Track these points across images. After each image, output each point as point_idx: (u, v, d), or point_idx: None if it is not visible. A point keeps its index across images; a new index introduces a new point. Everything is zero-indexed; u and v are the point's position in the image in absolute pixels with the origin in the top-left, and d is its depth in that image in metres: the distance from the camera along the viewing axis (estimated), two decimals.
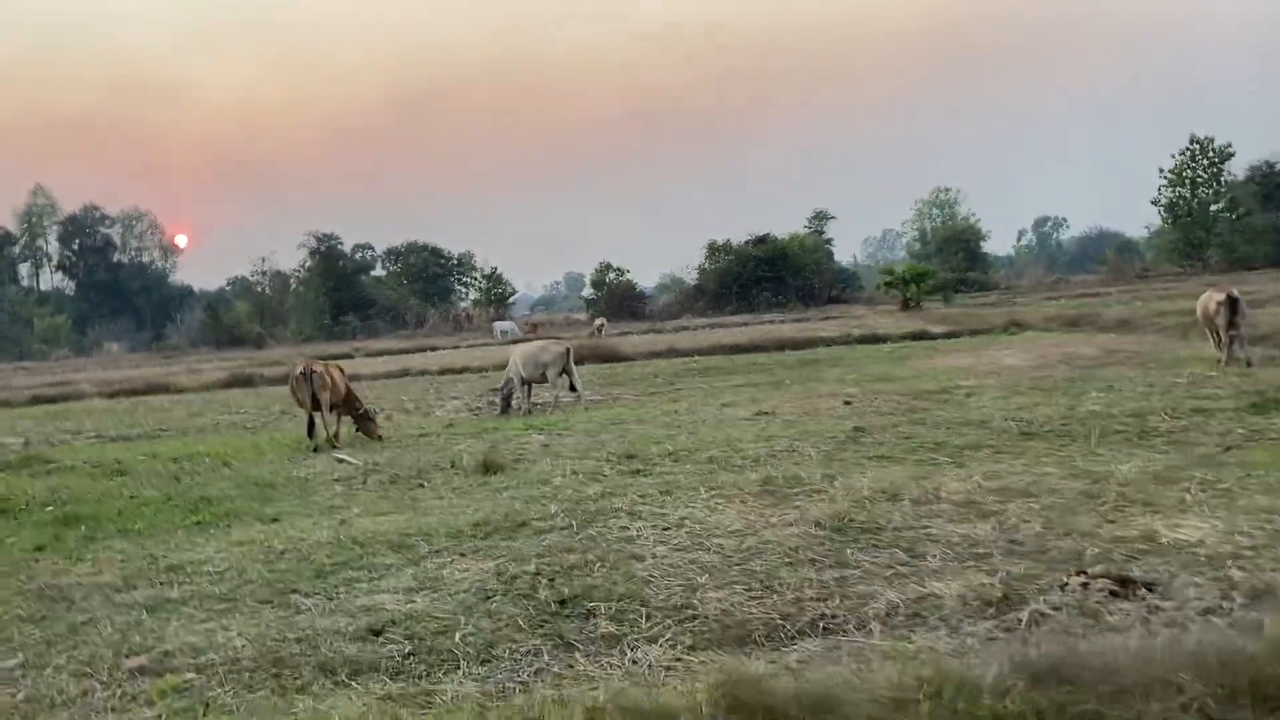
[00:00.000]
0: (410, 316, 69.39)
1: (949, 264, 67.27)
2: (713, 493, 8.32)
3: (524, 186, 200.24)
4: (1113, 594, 5.15)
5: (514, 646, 5.24)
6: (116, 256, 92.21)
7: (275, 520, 8.88)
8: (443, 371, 28.74)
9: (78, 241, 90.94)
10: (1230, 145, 65.57)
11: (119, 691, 5.02)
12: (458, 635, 5.40)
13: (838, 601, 5.44)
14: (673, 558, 6.51)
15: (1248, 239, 62.46)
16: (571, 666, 4.97)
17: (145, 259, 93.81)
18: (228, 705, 4.77)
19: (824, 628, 5.14)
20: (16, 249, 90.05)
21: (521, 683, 4.81)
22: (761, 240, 66.61)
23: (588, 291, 77.39)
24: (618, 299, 66.00)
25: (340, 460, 12.26)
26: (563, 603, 5.79)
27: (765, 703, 3.71)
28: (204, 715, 4.70)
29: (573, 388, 17.38)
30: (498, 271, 77.08)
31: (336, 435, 14.28)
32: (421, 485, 10.22)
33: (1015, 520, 6.82)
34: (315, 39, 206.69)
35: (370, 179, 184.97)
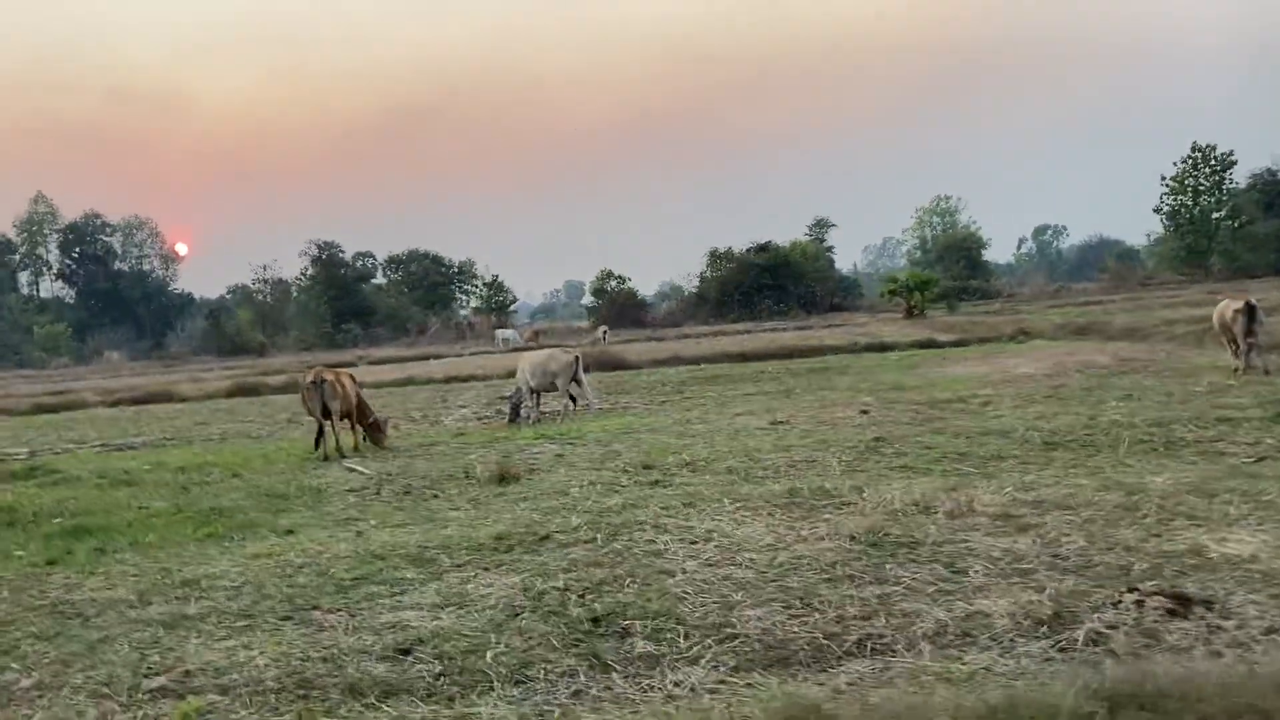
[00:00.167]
0: (412, 326, 69.29)
1: (950, 272, 67.29)
2: (737, 505, 8.14)
3: (524, 194, 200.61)
4: (1170, 612, 4.96)
5: (549, 667, 5.03)
6: (117, 264, 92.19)
7: (290, 532, 8.67)
8: (448, 380, 28.56)
9: (78, 249, 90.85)
10: (1232, 153, 65.67)
11: (140, 714, 4.81)
12: (489, 655, 5.19)
13: (883, 620, 5.24)
14: (704, 573, 6.31)
15: (1250, 247, 62.44)
16: (610, 688, 4.76)
17: (145, 267, 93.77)
18: None
19: (872, 648, 4.93)
20: (17, 257, 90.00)
21: (559, 705, 4.62)
22: (763, 248, 66.57)
23: (588, 299, 77.42)
24: (619, 307, 65.87)
25: (352, 470, 12.07)
26: (596, 620, 5.58)
27: None
28: None
29: (573, 399, 17.13)
30: (499, 279, 77.10)
31: (355, 445, 14.08)
32: (436, 496, 10.03)
33: (1055, 534, 6.63)
34: (316, 48, 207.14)
35: (371, 187, 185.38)
